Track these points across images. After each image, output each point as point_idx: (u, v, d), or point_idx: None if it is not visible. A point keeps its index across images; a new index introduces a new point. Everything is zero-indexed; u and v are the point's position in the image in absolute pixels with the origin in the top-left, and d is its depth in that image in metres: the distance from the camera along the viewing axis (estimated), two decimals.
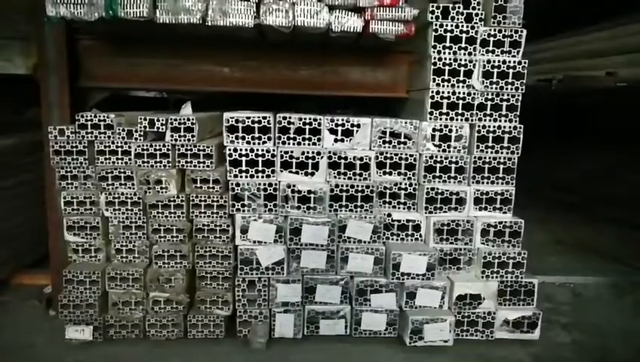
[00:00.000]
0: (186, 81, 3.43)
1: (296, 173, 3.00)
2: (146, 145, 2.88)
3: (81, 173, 2.95)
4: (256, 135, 2.96)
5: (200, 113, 3.15)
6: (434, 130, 3.05)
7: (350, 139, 3.03)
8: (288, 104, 3.81)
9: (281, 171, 2.99)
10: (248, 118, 2.94)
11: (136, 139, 2.89)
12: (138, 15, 2.68)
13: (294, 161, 2.99)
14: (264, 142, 2.97)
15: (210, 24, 2.74)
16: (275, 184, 2.97)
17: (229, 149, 2.96)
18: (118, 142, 2.91)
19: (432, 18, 2.98)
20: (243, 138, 2.96)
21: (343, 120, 3.01)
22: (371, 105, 3.80)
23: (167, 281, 2.95)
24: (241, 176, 2.97)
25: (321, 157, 3.00)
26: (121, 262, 2.98)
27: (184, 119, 2.89)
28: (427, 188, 3.03)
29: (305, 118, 2.98)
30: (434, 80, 3.01)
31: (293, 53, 3.39)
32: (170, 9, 2.71)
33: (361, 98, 3.58)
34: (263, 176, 2.97)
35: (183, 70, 3.40)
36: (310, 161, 2.99)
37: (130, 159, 2.90)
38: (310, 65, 3.45)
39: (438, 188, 3.04)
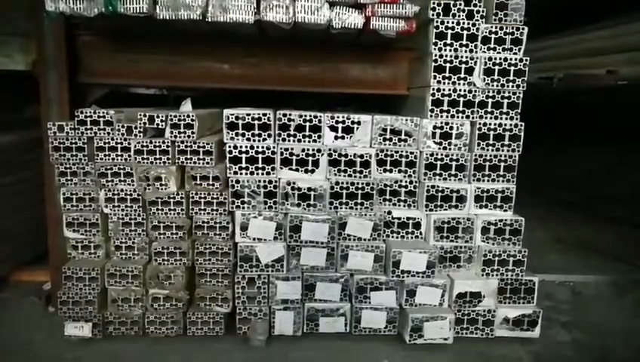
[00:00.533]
0: (185, 78, 3.41)
1: (297, 170, 2.98)
2: (146, 142, 2.87)
3: (81, 169, 2.93)
4: (257, 132, 2.95)
5: (200, 110, 3.14)
6: (435, 127, 3.03)
7: (351, 137, 3.02)
8: (288, 101, 3.80)
9: (281, 168, 2.98)
10: (248, 114, 2.93)
11: (135, 135, 2.88)
12: (138, 11, 2.67)
13: (294, 158, 2.97)
14: (264, 139, 2.96)
15: (210, 20, 2.72)
16: (275, 181, 2.96)
17: (229, 146, 2.94)
18: (117, 139, 2.89)
19: (433, 15, 2.96)
20: (243, 135, 2.95)
21: (343, 117, 3.00)
22: (372, 102, 3.79)
23: (166, 278, 2.94)
24: (241, 173, 2.95)
25: (322, 155, 2.99)
26: (121, 258, 2.97)
27: (184, 116, 2.88)
28: (427, 186, 3.02)
29: (305, 115, 2.97)
30: (435, 77, 3.00)
31: (294, 50, 3.38)
32: (170, 5, 2.69)
33: (362, 95, 3.56)
34: (263, 173, 2.96)
35: (183, 67, 3.39)
36: (310, 158, 2.98)
37: (129, 156, 2.89)
38: (310, 61, 3.44)
39: (438, 186, 3.03)
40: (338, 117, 2.99)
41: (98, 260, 2.99)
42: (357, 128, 3.02)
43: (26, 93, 3.52)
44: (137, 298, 2.95)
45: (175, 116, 2.88)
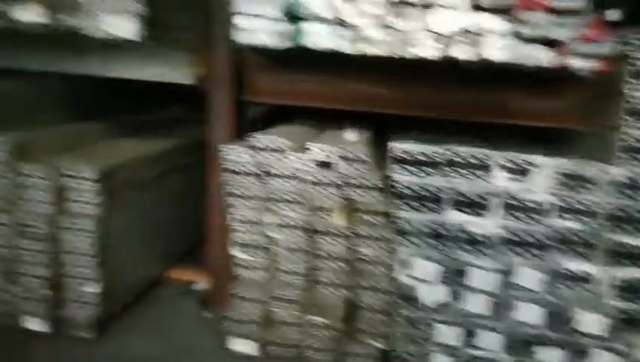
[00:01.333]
0: (345, 100, 3.38)
1: (465, 212, 2.87)
2: (316, 172, 2.91)
3: (251, 192, 3.05)
4: (424, 168, 2.88)
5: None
6: (624, 176, 2.76)
7: (524, 179, 2.84)
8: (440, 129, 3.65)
9: (449, 209, 2.88)
10: (418, 149, 2.86)
11: (306, 164, 2.93)
12: (324, 46, 2.68)
13: (463, 199, 2.86)
14: (432, 176, 2.88)
15: (394, 56, 2.66)
16: (442, 222, 2.87)
17: (396, 182, 2.90)
18: (288, 167, 2.96)
19: (629, 50, 2.67)
20: (411, 171, 2.89)
21: (517, 157, 2.82)
22: (539, 136, 3.53)
23: (326, 307, 3.00)
24: (407, 211, 2.91)
25: (492, 197, 2.84)
26: (285, 283, 3.07)
27: (355, 151, 2.88)
28: (610, 240, 2.78)
29: (475, 153, 2.84)
30: (627, 120, 2.72)
31: (457, 76, 3.21)
32: (353, 40, 2.67)
33: (530, 127, 3.33)
34: (429, 213, 2.89)
35: (343, 89, 3.35)
36: (480, 201, 2.85)
37: (299, 184, 2.95)
38: (477, 89, 3.25)
39: (622, 241, 2.78)
40: (511, 157, 2.82)
41: (263, 282, 3.11)
42: (532, 171, 2.82)
43: (192, 103, 3.74)
44: (298, 323, 3.05)
45: (345, 148, 2.89)
